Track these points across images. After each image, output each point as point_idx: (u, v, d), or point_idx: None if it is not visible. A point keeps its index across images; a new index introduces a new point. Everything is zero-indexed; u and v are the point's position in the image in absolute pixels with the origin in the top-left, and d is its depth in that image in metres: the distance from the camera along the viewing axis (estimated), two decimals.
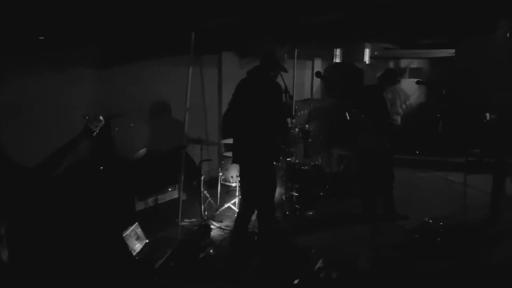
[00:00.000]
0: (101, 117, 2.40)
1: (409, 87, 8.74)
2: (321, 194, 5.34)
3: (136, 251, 3.90)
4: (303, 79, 9.57)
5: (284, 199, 4.88)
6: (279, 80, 4.01)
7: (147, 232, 4.14)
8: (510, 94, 4.65)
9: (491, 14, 4.44)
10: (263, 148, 3.59)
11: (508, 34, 4.46)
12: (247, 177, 3.74)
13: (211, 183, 5.57)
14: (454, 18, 4.80)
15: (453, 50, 8.26)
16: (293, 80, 7.05)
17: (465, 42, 7.71)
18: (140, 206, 4.49)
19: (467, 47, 7.71)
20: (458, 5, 4.20)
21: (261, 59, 3.72)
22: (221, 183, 5.27)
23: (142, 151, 4.87)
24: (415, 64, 8.77)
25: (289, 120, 5.04)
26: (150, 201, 4.60)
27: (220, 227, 4.65)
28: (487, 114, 7.05)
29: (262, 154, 3.60)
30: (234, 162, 3.82)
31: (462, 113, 7.01)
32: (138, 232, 4.06)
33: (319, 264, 3.57)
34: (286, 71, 3.75)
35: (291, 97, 5.22)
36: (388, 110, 4.75)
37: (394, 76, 4.76)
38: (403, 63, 8.97)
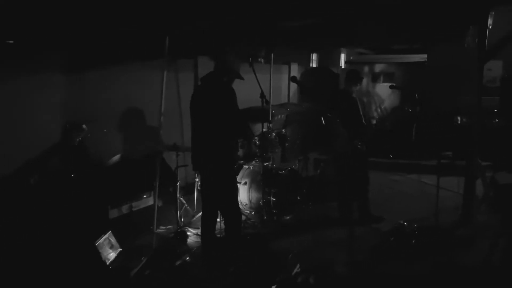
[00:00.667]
0: (84, 126, 2.32)
1: (383, 91, 8.92)
2: (298, 198, 5.35)
3: (110, 260, 3.80)
4: (280, 84, 9.60)
5: (261, 204, 4.86)
6: (255, 85, 4.00)
7: (121, 241, 4.03)
8: (478, 99, 4.78)
9: (460, 22, 4.57)
10: (219, 154, 3.58)
11: (476, 41, 4.59)
12: (206, 183, 3.75)
13: (188, 189, 5.49)
14: (425, 26, 4.92)
15: (425, 55, 8.47)
16: (270, 85, 7.06)
17: (436, 48, 7.92)
18: (113, 214, 4.38)
19: (438, 53, 7.93)
20: (428, 13, 4.30)
21: (214, 65, 3.71)
22: (197, 189, 5.20)
23: (116, 157, 4.76)
24: (389, 69, 8.95)
25: (266, 124, 5.04)
26: (124, 208, 4.49)
27: (196, 234, 4.57)
28: (458, 118, 7.30)
29: (218, 160, 3.60)
30: (193, 169, 3.84)
31: (434, 116, 7.19)
32: (112, 241, 3.95)
33: (296, 269, 3.55)
34: (241, 77, 3.72)
35: (268, 101, 5.22)
36: (360, 112, 4.81)
37: (356, 75, 4.84)
38: (378, 67, 9.15)
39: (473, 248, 4.28)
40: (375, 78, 9.27)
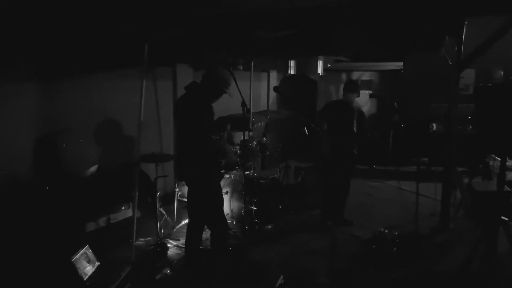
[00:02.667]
0: None
1: (361, 98, 9.04)
2: (280, 207, 5.33)
3: (88, 275, 3.67)
4: (259, 91, 9.62)
5: (243, 213, 4.82)
6: (235, 92, 3.96)
7: (99, 254, 3.90)
8: (453, 106, 4.90)
9: (436, 33, 4.69)
10: (200, 164, 3.52)
11: (451, 50, 4.71)
12: (189, 193, 3.68)
13: (167, 199, 5.38)
14: (400, 36, 5.02)
15: (401, 63, 8.65)
16: (250, 92, 7.05)
17: (411, 56, 8.10)
18: (90, 226, 4.25)
19: (414, 61, 8.11)
20: (404, 24, 4.39)
21: (203, 77, 3.65)
22: (177, 199, 5.11)
23: (93, 168, 4.62)
24: (366, 76, 9.09)
25: (247, 133, 5.02)
26: (102, 221, 4.36)
27: (177, 246, 4.48)
28: (434, 125, 7.48)
29: (200, 170, 3.53)
30: (179, 179, 3.78)
31: (411, 124, 7.33)
32: (89, 255, 3.82)
33: (280, 280, 3.52)
34: (229, 94, 3.66)
35: (249, 110, 5.20)
36: (353, 122, 4.87)
37: (353, 85, 4.91)
38: (355, 75, 9.28)
39: (450, 254, 4.36)
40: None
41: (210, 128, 3.50)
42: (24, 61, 4.20)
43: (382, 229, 4.52)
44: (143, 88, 4.44)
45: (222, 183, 5.11)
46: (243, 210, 4.78)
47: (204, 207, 3.63)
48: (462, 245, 4.45)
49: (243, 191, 4.75)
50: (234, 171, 5.33)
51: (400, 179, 6.45)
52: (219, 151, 3.59)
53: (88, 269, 3.71)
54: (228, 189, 5.04)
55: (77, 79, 4.80)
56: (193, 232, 3.75)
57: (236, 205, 5.00)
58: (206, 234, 4.16)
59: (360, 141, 4.92)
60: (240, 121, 5.16)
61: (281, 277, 3.54)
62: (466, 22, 4.69)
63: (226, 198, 5.00)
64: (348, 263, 4.12)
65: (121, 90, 5.34)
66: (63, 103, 4.63)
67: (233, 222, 5.03)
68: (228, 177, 5.22)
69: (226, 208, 4.99)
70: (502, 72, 7.80)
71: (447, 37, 4.67)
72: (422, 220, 4.67)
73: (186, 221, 4.89)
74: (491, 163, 5.35)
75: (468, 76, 7.71)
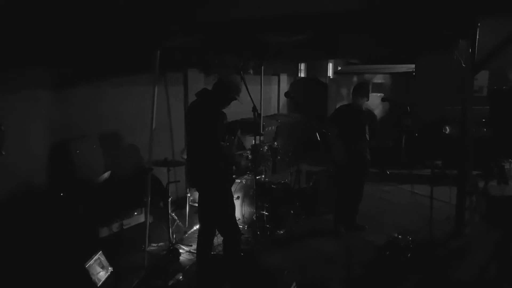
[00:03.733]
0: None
1: (372, 101, 8.97)
2: (292, 212, 5.31)
3: (101, 281, 3.69)
4: (270, 95, 9.62)
5: (254, 218, 4.80)
6: (246, 97, 3.95)
7: (112, 260, 3.92)
8: (467, 109, 4.82)
9: (450, 34, 4.63)
10: (212, 171, 3.49)
11: (465, 53, 4.65)
12: (202, 200, 3.67)
13: (179, 204, 5.41)
14: (413, 39, 4.97)
15: (413, 65, 8.56)
16: (261, 96, 7.05)
17: (424, 58, 8.01)
18: (104, 232, 4.28)
19: (426, 63, 8.03)
20: (416, 27, 4.35)
21: (214, 85, 3.63)
22: (189, 204, 5.13)
23: (106, 174, 4.66)
24: (377, 79, 9.01)
25: (257, 137, 5.01)
26: (115, 226, 4.39)
27: (189, 251, 4.49)
28: (447, 127, 7.38)
29: (212, 177, 3.51)
30: (190, 186, 3.75)
31: (424, 127, 7.25)
32: (102, 261, 3.85)
33: (292, 287, 3.49)
34: (239, 101, 3.63)
35: (260, 115, 5.20)
36: (365, 126, 4.83)
37: (362, 89, 4.86)
38: (366, 77, 9.20)
39: (466, 260, 4.28)
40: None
41: (220, 135, 3.49)
42: (38, 68, 4.26)
43: (396, 235, 4.45)
44: (155, 94, 4.47)
45: (233, 188, 5.10)
46: (255, 215, 4.77)
47: (215, 213, 3.63)
48: (477, 250, 4.37)
49: (254, 196, 4.73)
50: (245, 176, 5.32)
51: (414, 182, 6.37)
52: (229, 158, 3.57)
53: (101, 275, 3.73)
54: (239, 194, 5.04)
55: (90, 86, 4.87)
56: (204, 238, 3.74)
57: (247, 210, 4.99)
58: (218, 239, 4.18)
59: (372, 146, 4.88)
60: (251, 126, 5.15)
61: (294, 284, 3.52)
62: (479, 24, 4.62)
63: (237, 203, 5.00)
64: (361, 270, 4.08)
65: (133, 96, 5.39)
66: (76, 109, 4.69)
67: (245, 227, 5.02)
68: (240, 182, 5.21)
69: (238, 213, 4.98)
70: None
71: (460, 40, 4.61)
72: (436, 225, 4.58)
73: (198, 226, 4.90)
74: (506, 166, 5.25)
75: (482, 78, 7.60)
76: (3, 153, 2.93)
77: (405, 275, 3.93)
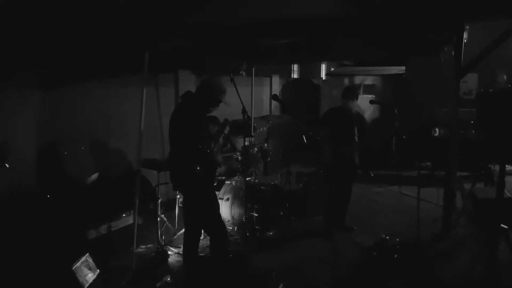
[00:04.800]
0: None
1: (363, 103, 9.03)
2: (281, 213, 5.32)
3: (88, 283, 3.68)
4: (261, 96, 9.63)
5: (244, 220, 4.81)
6: (236, 98, 3.96)
7: (99, 262, 3.91)
8: (454, 111, 4.87)
9: (436, 39, 4.68)
10: (190, 174, 3.47)
11: (451, 55, 4.70)
12: (184, 202, 3.69)
13: (169, 205, 5.40)
14: (402, 42, 5.02)
15: (404, 68, 8.63)
16: (252, 98, 7.07)
17: (414, 60, 8.08)
18: (92, 234, 4.27)
19: (416, 65, 8.10)
20: (405, 31, 4.39)
21: (197, 88, 3.61)
22: (179, 206, 5.12)
23: (94, 175, 4.64)
24: (368, 80, 9.07)
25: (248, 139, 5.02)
26: (103, 228, 4.38)
27: (178, 253, 4.48)
28: (436, 129, 7.44)
29: (191, 180, 3.49)
30: (173, 189, 3.75)
31: (414, 129, 7.31)
32: (90, 263, 3.83)
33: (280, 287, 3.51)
34: (226, 103, 3.60)
35: (249, 117, 5.21)
36: (354, 128, 4.87)
37: (351, 92, 4.91)
38: (358, 79, 9.25)
39: (453, 261, 4.32)
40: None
41: (205, 138, 3.48)
42: (26, 70, 4.24)
43: (384, 236, 4.48)
44: (143, 96, 4.47)
45: (223, 189, 5.12)
46: (244, 216, 4.78)
47: (199, 215, 3.63)
48: (464, 251, 4.40)
49: (244, 197, 4.75)
50: (235, 178, 5.33)
51: (402, 184, 6.42)
52: (212, 161, 3.55)
53: (89, 277, 3.72)
54: (229, 196, 5.05)
55: (79, 88, 4.85)
56: (189, 240, 3.74)
57: (237, 211, 5.00)
58: (207, 241, 4.19)
59: (361, 149, 4.91)
60: (241, 128, 5.17)
61: (281, 285, 3.54)
62: (467, 27, 4.67)
63: (227, 204, 5.01)
64: (349, 270, 4.10)
65: (122, 97, 5.37)
66: (64, 111, 4.67)
67: (234, 228, 5.03)
68: (229, 184, 5.22)
69: (227, 214, 4.99)
70: (505, 77, 7.76)
71: (447, 46, 4.67)
72: (424, 226, 4.61)
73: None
74: (493, 168, 5.31)
75: (471, 80, 7.68)
76: (7, 166, 2.91)
77: (392, 276, 3.96)
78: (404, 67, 8.63)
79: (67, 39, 4.15)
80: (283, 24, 4.09)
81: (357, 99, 4.89)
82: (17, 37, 3.80)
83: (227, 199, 5.00)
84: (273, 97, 3.98)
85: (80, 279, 3.62)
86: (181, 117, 3.50)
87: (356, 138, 4.87)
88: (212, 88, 3.56)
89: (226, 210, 4.99)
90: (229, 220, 5.02)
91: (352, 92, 4.91)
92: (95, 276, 3.78)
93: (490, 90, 5.46)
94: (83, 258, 3.75)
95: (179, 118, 3.51)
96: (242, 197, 4.89)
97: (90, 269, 3.78)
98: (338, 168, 4.82)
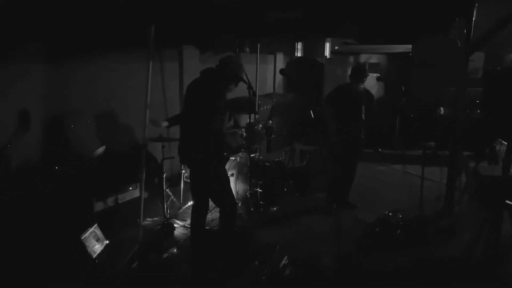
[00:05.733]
0: None
1: (368, 81, 8.96)
2: (285, 189, 5.37)
3: (96, 253, 3.76)
4: (265, 74, 9.56)
5: (248, 195, 4.86)
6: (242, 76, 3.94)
7: (107, 233, 3.98)
8: (461, 90, 4.85)
9: (446, 14, 4.61)
10: (201, 149, 3.51)
11: (461, 33, 4.63)
12: (195, 176, 3.71)
13: (174, 181, 5.44)
14: (410, 18, 4.95)
15: (410, 46, 8.52)
16: (256, 75, 7.02)
17: (421, 39, 7.97)
18: (99, 206, 4.33)
19: (423, 44, 7.99)
20: (415, 5, 4.32)
21: (217, 66, 3.60)
22: (184, 181, 5.17)
23: (101, 149, 4.67)
24: (374, 59, 8.97)
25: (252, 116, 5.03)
26: (110, 201, 4.44)
27: (183, 226, 4.56)
28: (441, 108, 7.41)
29: (201, 154, 3.54)
30: (180, 162, 3.78)
31: (418, 107, 7.27)
32: (98, 234, 3.91)
33: (284, 261, 3.58)
34: (245, 81, 3.63)
35: (255, 93, 5.19)
36: (361, 107, 4.85)
37: (359, 72, 4.87)
38: (362, 58, 9.15)
39: (455, 238, 4.38)
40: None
41: (219, 115, 3.49)
42: (32, 43, 4.20)
43: (386, 212, 4.54)
44: (149, 70, 4.45)
45: (227, 165, 5.15)
46: (249, 192, 4.83)
47: (208, 189, 3.67)
48: (466, 229, 4.46)
49: (248, 173, 4.78)
50: (240, 154, 5.36)
51: (406, 163, 6.44)
52: (222, 137, 3.58)
53: (97, 248, 3.80)
54: (233, 172, 5.08)
55: (85, 61, 4.81)
56: (197, 213, 3.80)
57: (241, 187, 5.05)
58: (212, 215, 4.24)
59: (367, 126, 4.91)
60: (246, 104, 5.15)
61: (286, 257, 3.60)
62: (477, 4, 4.60)
63: (231, 180, 5.05)
64: (352, 246, 4.16)
65: (128, 72, 5.34)
66: (71, 84, 4.66)
67: (239, 204, 5.09)
68: (234, 160, 5.25)
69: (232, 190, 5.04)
70: None
71: (457, 19, 4.59)
72: (427, 204, 4.67)
73: (191, 202, 4.96)
74: (497, 147, 5.31)
75: (478, 59, 7.59)
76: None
77: (394, 252, 4.02)
78: (410, 46, 8.52)
79: (73, 11, 4.10)
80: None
81: (363, 82, 4.85)
82: (24, 9, 3.76)
83: (232, 174, 5.03)
84: (280, 71, 3.97)
85: (89, 250, 3.70)
86: (202, 92, 3.50)
87: (363, 116, 4.86)
88: (234, 66, 3.56)
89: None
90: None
91: (359, 74, 4.86)
92: (103, 247, 3.86)
93: (498, 68, 5.43)
94: (91, 229, 3.82)
95: (199, 93, 3.51)
96: (246, 173, 4.93)
97: (98, 240, 3.85)
98: (344, 145, 4.83)
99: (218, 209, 3.83)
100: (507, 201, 3.27)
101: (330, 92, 5.10)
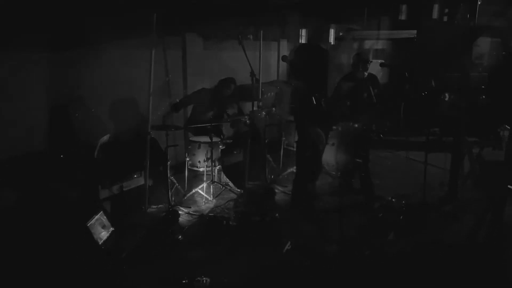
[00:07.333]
0: None
1: (373, 67, 8.89)
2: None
3: (103, 240, 3.81)
4: (269, 61, 9.50)
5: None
6: (244, 62, 3.92)
7: (113, 220, 4.03)
8: (467, 76, 4.81)
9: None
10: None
11: (465, 18, 4.58)
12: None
13: (178, 168, 5.48)
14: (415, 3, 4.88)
15: (415, 31, 8.42)
16: (260, 62, 6.98)
17: (426, 24, 7.88)
18: (104, 194, 4.38)
19: (428, 29, 7.90)
20: None
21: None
22: (188, 168, 5.21)
23: (105, 137, 4.70)
24: (378, 45, 8.89)
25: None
26: (115, 188, 4.48)
27: (188, 213, 4.61)
28: (446, 94, 7.35)
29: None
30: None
31: (423, 93, 7.21)
32: (104, 221, 3.95)
33: (287, 246, 3.62)
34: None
35: (258, 80, 5.17)
36: (372, 94, 4.82)
37: (360, 59, 4.82)
38: (367, 44, 9.07)
39: (457, 223, 4.40)
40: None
41: None
42: (36, 31, 4.21)
43: (390, 198, 4.55)
44: (152, 58, 4.45)
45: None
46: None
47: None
48: (469, 215, 4.48)
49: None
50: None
51: (410, 149, 6.43)
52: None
53: (103, 234, 3.85)
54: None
55: (88, 49, 4.81)
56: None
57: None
58: (210, 204, 4.29)
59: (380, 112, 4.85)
60: (249, 91, 5.14)
61: (289, 243, 3.64)
62: None
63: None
64: (355, 231, 4.19)
65: (132, 59, 5.33)
66: (75, 72, 4.67)
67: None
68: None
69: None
70: None
71: (461, 4, 4.53)
72: (430, 190, 4.68)
73: (196, 189, 5.02)
74: (501, 133, 5.29)
75: (483, 45, 7.50)
76: None
77: (398, 237, 4.05)
78: (415, 31, 8.41)
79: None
80: None
81: (366, 69, 4.80)
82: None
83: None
84: (282, 57, 3.96)
85: (95, 236, 3.75)
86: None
87: (374, 99, 4.80)
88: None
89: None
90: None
91: (361, 62, 4.81)
92: (109, 233, 3.91)
93: (503, 53, 5.37)
94: (97, 216, 3.87)
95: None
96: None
97: (104, 226, 3.90)
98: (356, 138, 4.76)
99: (220, 197, 3.87)
100: (510, 187, 3.28)
101: (336, 87, 5.05)
